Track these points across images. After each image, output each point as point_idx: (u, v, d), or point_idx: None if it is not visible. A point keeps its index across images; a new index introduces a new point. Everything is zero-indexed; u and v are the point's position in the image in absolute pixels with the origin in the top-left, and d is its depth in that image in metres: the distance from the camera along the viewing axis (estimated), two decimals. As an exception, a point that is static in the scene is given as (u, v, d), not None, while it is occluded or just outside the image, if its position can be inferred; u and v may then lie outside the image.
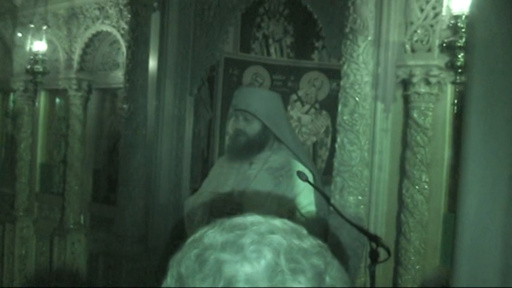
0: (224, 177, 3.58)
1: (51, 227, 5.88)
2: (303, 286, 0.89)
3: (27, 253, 6.23)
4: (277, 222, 1.00)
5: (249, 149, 3.48)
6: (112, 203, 5.26)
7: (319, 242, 0.99)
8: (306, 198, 3.41)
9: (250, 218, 1.00)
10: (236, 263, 0.91)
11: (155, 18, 4.62)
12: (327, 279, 0.93)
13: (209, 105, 5.67)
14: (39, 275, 6.07)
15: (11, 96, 6.70)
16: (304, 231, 1.00)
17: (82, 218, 5.60)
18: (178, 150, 4.68)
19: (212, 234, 0.98)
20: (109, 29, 5.17)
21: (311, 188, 3.31)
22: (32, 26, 4.97)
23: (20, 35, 5.52)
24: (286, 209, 3.31)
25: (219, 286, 0.89)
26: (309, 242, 0.97)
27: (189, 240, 1.01)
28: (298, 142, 3.71)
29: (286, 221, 1.02)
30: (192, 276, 0.92)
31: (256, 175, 3.46)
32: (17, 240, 6.23)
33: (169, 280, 0.97)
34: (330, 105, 5.66)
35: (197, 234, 1.00)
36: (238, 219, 1.00)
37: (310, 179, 3.35)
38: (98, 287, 5.21)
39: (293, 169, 3.42)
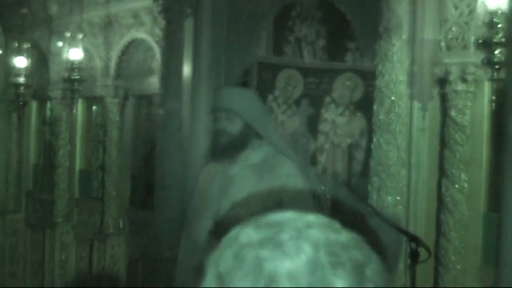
0: (210, 184, 3.56)
1: (91, 231, 5.95)
2: (343, 279, 0.90)
3: (67, 258, 6.33)
4: (312, 217, 1.00)
5: (231, 148, 3.44)
6: (149, 207, 5.30)
7: (355, 235, 0.99)
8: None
9: (285, 215, 1.00)
10: (276, 259, 0.91)
11: (189, 24, 4.66)
12: (367, 272, 0.93)
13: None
14: (79, 279, 6.15)
15: (48, 104, 6.81)
16: (338, 225, 1.00)
17: (121, 222, 5.66)
18: (214, 155, 4.70)
19: (248, 232, 0.98)
20: (144, 36, 5.23)
21: (295, 179, 3.32)
22: (69, 34, 5.05)
23: (60, 44, 5.60)
24: (274, 202, 3.29)
25: (261, 283, 0.90)
26: (345, 236, 0.97)
27: (224, 239, 1.01)
28: (281, 137, 3.69)
29: (319, 215, 1.02)
30: (233, 274, 0.93)
31: (237, 174, 3.45)
32: (57, 245, 6.33)
33: (208, 280, 0.97)
34: (364, 106, 5.62)
35: (232, 234, 1.01)
36: (272, 217, 1.00)
37: (294, 170, 3.37)
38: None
39: (275, 161, 3.41)
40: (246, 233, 0.98)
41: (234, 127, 3.42)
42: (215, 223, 3.24)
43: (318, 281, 0.89)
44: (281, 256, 0.91)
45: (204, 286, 0.98)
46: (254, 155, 3.46)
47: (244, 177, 3.42)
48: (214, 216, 3.35)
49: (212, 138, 3.56)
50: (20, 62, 5.74)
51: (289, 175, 3.33)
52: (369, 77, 5.47)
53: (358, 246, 0.96)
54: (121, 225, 5.67)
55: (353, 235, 0.99)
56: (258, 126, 3.46)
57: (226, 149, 3.45)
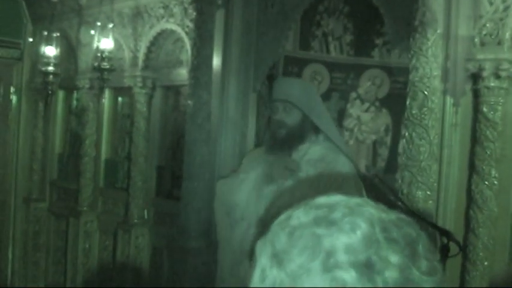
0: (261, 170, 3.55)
1: (115, 221, 5.99)
2: (398, 255, 0.91)
3: (91, 247, 6.37)
4: (359, 199, 1.02)
5: (289, 140, 3.41)
6: (175, 198, 5.33)
7: (404, 215, 1.01)
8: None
9: (334, 197, 1.03)
10: (332, 236, 0.93)
11: (219, 15, 4.67)
12: (420, 248, 0.95)
13: (268, 103, 5.69)
14: (102, 268, 6.19)
15: (75, 94, 6.85)
16: (384, 207, 1.02)
17: (146, 212, 5.69)
18: (241, 146, 4.71)
19: (299, 214, 1.00)
20: (173, 27, 5.24)
21: (352, 178, 3.31)
22: (99, 24, 5.08)
23: (90, 33, 5.64)
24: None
25: (320, 257, 0.91)
26: (395, 215, 0.99)
27: (275, 223, 1.03)
28: (338, 133, 3.67)
29: (364, 198, 1.04)
30: (289, 252, 0.95)
31: (296, 167, 3.42)
32: (81, 234, 6.36)
33: (263, 260, 0.98)
34: (390, 103, 5.62)
35: (282, 217, 1.03)
36: (322, 199, 1.03)
37: (351, 169, 3.35)
38: (162, 281, 5.29)
39: (334, 159, 3.39)
40: (297, 215, 1.00)
41: (292, 118, 3.40)
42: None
43: (375, 255, 0.90)
44: (337, 232, 0.93)
45: (259, 267, 0.99)
46: (312, 150, 3.44)
47: (302, 171, 3.39)
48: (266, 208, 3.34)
49: (270, 129, 3.54)
50: (50, 50, 5.77)
51: (348, 175, 3.33)
52: (395, 74, 5.48)
53: (409, 224, 0.98)
54: (146, 216, 5.70)
55: (402, 215, 1.01)
56: (316, 118, 3.43)
57: (284, 140, 3.42)
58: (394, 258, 0.91)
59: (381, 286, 0.89)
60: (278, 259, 0.95)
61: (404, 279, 0.91)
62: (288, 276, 0.93)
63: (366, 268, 0.89)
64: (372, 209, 0.98)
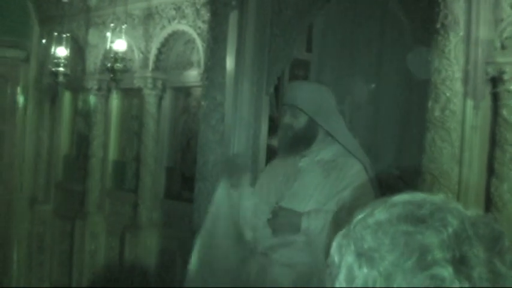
0: (275, 172, 3.61)
1: (122, 223, 5.97)
2: (487, 251, 0.93)
3: (97, 248, 6.34)
4: (441, 196, 1.03)
5: (296, 143, 3.48)
6: (184, 199, 5.32)
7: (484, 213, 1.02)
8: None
9: (414, 195, 1.03)
10: (424, 233, 0.93)
11: (233, 17, 4.66)
12: (506, 243, 0.96)
13: (274, 105, 5.71)
14: (109, 270, 6.17)
15: (81, 95, 6.83)
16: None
17: (154, 214, 5.67)
18: (254, 148, 4.69)
19: (380, 212, 0.99)
20: (185, 28, 5.23)
21: (361, 182, 3.33)
22: (112, 25, 5.06)
23: (101, 35, 5.62)
24: (335, 200, 3.31)
25: (414, 255, 0.91)
26: (476, 211, 1.00)
27: (355, 220, 1.02)
28: (350, 136, 3.69)
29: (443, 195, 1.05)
30: (378, 250, 0.94)
31: (306, 167, 3.47)
32: (87, 235, 6.34)
33: (349, 259, 0.98)
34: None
35: (361, 215, 1.02)
36: (400, 197, 1.03)
37: (362, 172, 3.37)
38: (170, 283, 5.27)
39: (344, 161, 3.42)
40: (378, 213, 0.99)
41: (298, 122, 3.46)
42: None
43: (468, 251, 0.90)
44: (428, 229, 0.94)
45: (344, 267, 0.98)
46: (325, 151, 3.50)
47: (311, 171, 3.44)
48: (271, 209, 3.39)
49: (279, 132, 3.63)
50: (61, 51, 5.76)
51: (356, 177, 3.36)
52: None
53: (494, 220, 0.99)
54: (154, 217, 5.67)
55: (481, 212, 1.02)
56: (323, 122, 3.48)
57: (291, 143, 3.49)
58: (484, 254, 0.92)
59: (477, 281, 0.89)
60: (367, 257, 0.94)
61: (493, 273, 0.92)
62: (381, 275, 0.92)
63: (461, 264, 0.90)
64: (458, 206, 0.98)
